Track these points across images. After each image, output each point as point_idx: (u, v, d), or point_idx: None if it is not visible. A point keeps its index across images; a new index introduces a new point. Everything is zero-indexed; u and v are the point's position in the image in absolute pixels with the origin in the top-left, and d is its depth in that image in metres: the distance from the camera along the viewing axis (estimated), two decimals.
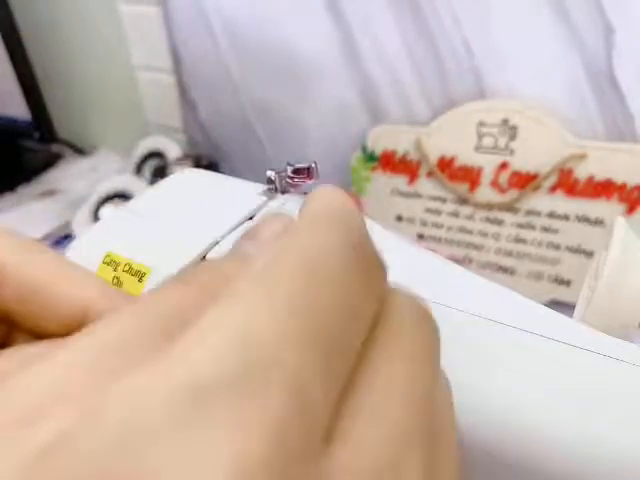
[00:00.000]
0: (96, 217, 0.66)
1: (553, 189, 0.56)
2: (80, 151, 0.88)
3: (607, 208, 0.54)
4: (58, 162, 0.87)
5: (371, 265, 0.10)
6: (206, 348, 0.08)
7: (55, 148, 0.86)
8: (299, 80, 0.66)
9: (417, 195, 0.63)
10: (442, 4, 0.54)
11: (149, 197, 0.24)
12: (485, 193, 0.59)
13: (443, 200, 0.62)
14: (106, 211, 0.66)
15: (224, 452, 0.07)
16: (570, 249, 0.57)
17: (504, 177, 0.58)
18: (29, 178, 0.84)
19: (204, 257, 0.20)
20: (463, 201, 0.60)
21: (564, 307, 0.58)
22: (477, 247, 0.62)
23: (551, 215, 0.57)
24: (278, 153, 0.73)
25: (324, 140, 0.68)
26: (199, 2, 0.67)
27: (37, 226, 0.72)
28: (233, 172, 0.76)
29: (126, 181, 0.69)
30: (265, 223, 0.13)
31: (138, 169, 0.77)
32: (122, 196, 0.69)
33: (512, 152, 0.56)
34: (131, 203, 0.24)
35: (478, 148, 0.58)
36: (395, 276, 0.12)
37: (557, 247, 0.58)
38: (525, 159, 0.56)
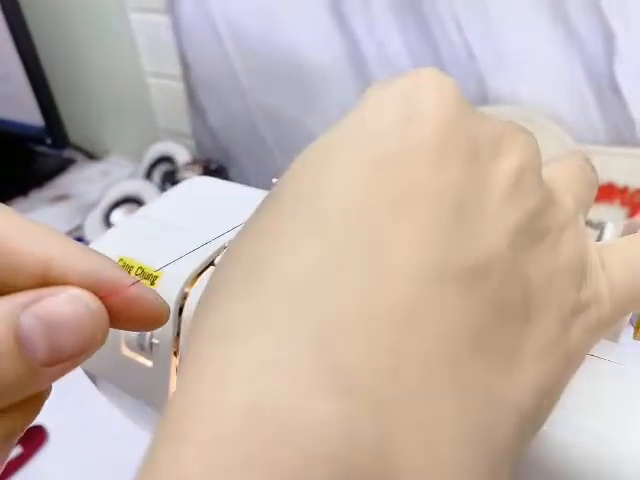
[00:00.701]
0: (108, 221, 0.68)
1: None
2: (92, 156, 0.90)
3: (609, 212, 0.55)
4: (70, 167, 0.89)
5: None
6: None
7: (67, 153, 0.88)
8: (306, 86, 0.67)
9: None
10: (445, 11, 0.55)
11: (161, 203, 0.26)
12: None
13: None
14: (117, 215, 0.67)
15: None
16: None
17: None
18: (41, 183, 0.85)
19: (213, 262, 0.21)
20: None
21: None
22: None
23: None
24: (286, 158, 0.74)
25: None
26: (207, 10, 0.68)
27: None
28: (241, 176, 0.77)
29: (137, 186, 0.71)
30: None
31: (148, 174, 0.79)
32: (133, 200, 0.70)
33: None
34: (144, 209, 0.25)
35: None
36: None
37: None
38: None
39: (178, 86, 0.77)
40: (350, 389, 0.09)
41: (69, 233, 0.74)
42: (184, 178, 0.68)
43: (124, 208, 0.69)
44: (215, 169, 0.70)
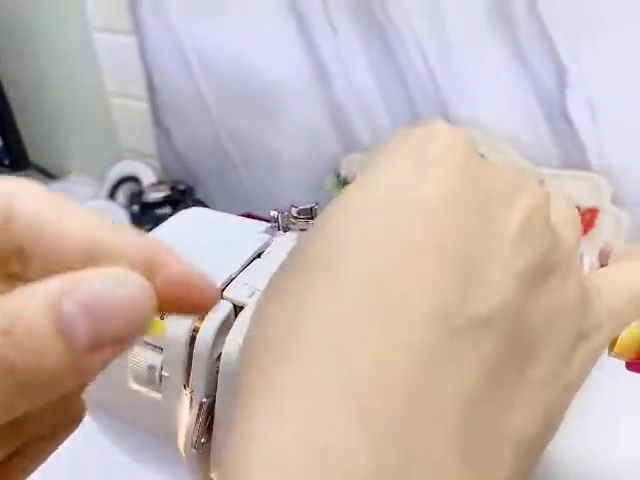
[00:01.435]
0: None
1: None
2: (51, 176, 0.88)
3: None
4: None
5: None
6: None
7: (25, 173, 0.85)
8: (273, 108, 0.68)
9: None
10: (410, 41, 0.58)
11: (159, 234, 0.26)
12: None
13: None
14: None
15: None
16: None
17: None
18: None
19: (221, 294, 0.22)
20: None
21: None
22: None
23: None
24: (253, 179, 0.75)
25: (298, 165, 0.71)
26: (174, 32, 0.69)
27: None
28: (207, 197, 0.77)
29: (101, 206, 0.69)
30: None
31: (111, 194, 0.77)
32: None
33: None
34: None
35: None
36: None
37: None
38: None
39: (143, 106, 0.76)
40: (380, 444, 0.10)
41: None
42: (152, 199, 0.68)
43: None
44: (183, 189, 0.70)
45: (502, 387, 0.12)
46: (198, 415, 0.21)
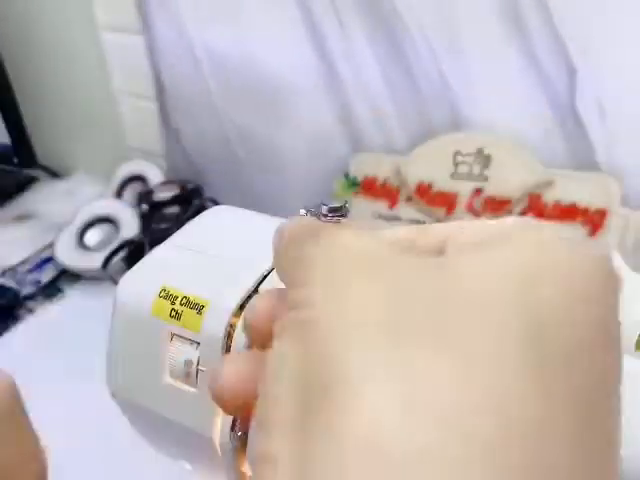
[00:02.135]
0: (82, 241, 0.66)
1: (524, 213, 0.60)
2: (56, 174, 0.88)
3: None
4: (33, 185, 0.86)
5: None
6: None
7: (32, 171, 0.85)
8: (281, 107, 0.69)
9: (397, 218, 0.67)
10: (420, 41, 0.58)
11: (190, 232, 0.26)
12: (461, 217, 0.63)
13: (422, 223, 0.65)
14: (93, 235, 0.66)
15: None
16: None
17: (478, 202, 0.62)
18: (2, 202, 0.82)
19: (257, 289, 0.22)
20: None
21: None
22: None
23: None
24: (261, 178, 0.75)
25: (306, 164, 0.71)
26: (182, 31, 0.69)
27: (15, 251, 0.71)
28: (216, 197, 0.77)
29: (110, 205, 0.69)
30: None
31: (118, 193, 0.77)
32: (106, 220, 0.69)
33: (486, 179, 0.61)
34: (174, 238, 0.26)
35: (454, 175, 0.62)
36: None
37: None
38: (498, 185, 0.60)
39: (150, 105, 0.76)
40: None
41: (37, 252, 0.71)
42: (161, 198, 0.68)
43: (99, 228, 0.67)
44: (193, 188, 0.70)
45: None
46: None
